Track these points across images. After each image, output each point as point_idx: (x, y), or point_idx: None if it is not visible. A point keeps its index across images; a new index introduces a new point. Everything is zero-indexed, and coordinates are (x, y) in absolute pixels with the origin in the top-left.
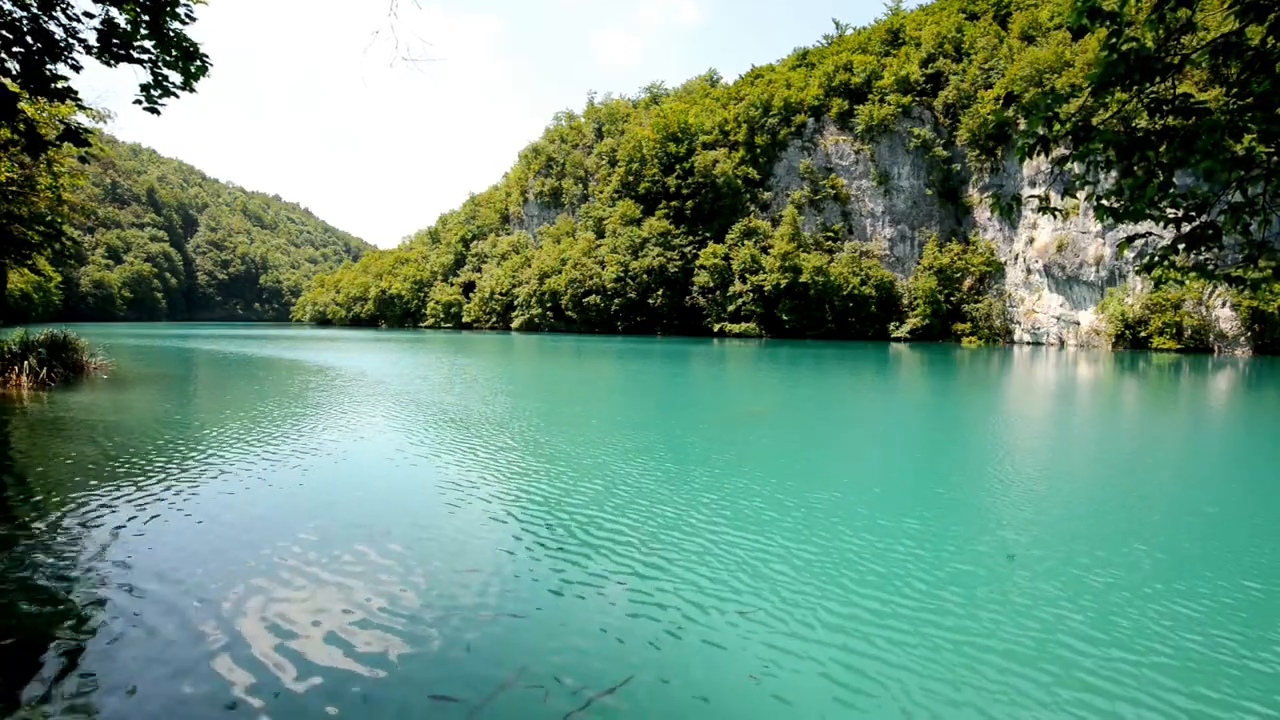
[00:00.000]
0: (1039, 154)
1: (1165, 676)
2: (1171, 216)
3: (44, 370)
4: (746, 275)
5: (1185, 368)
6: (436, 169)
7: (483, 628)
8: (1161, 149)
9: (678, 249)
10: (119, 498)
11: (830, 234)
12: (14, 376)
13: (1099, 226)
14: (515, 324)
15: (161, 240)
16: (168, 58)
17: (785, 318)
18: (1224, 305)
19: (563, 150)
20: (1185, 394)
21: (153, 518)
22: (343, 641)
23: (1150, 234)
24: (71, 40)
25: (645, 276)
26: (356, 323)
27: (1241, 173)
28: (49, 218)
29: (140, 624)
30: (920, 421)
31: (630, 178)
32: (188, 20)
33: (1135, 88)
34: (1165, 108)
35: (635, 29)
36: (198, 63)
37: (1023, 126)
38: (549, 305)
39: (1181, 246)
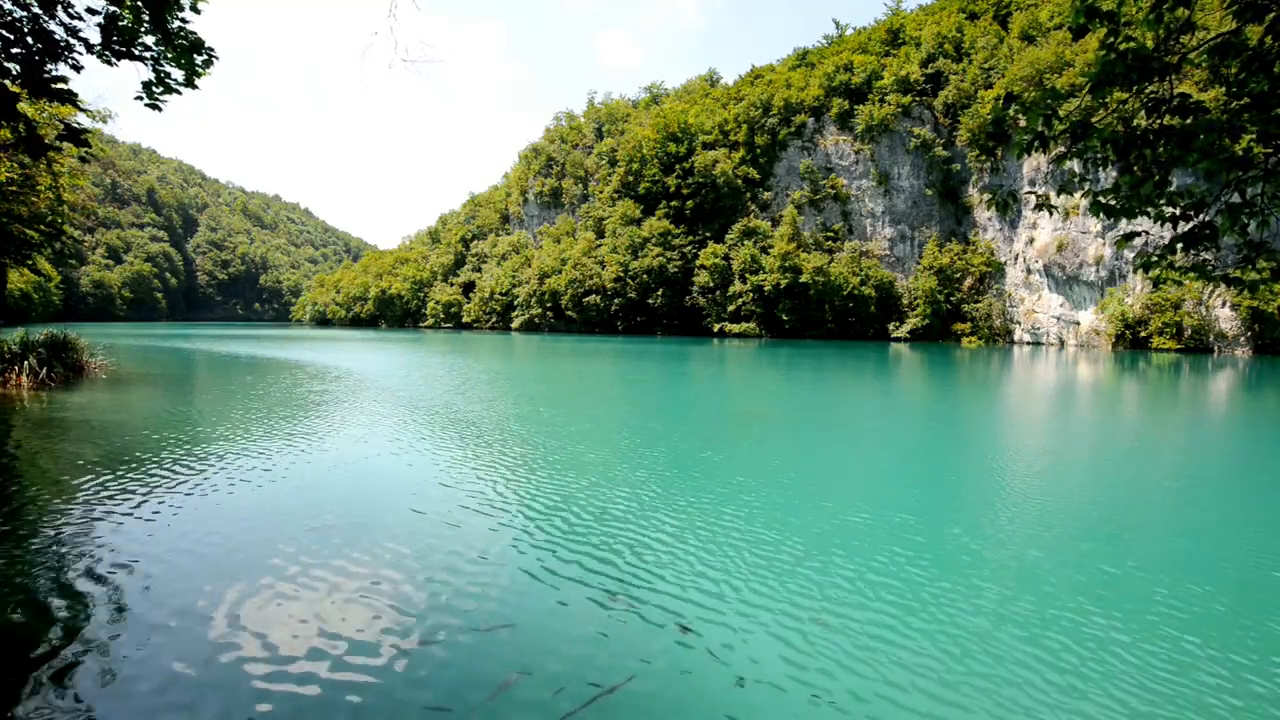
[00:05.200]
0: (1036, 150)
1: (1166, 678)
2: (1169, 214)
3: (44, 370)
4: (746, 275)
5: (1185, 368)
6: (436, 169)
7: (483, 627)
8: (1159, 148)
9: (678, 249)
10: (118, 498)
11: (830, 234)
12: (14, 376)
13: (1099, 226)
14: (515, 324)
15: (161, 240)
16: (171, 54)
17: (785, 318)
18: (1224, 305)
19: (563, 150)
20: (1186, 395)
21: (152, 518)
22: (342, 642)
23: (1148, 232)
24: (72, 40)
25: (645, 276)
26: (356, 323)
27: (1239, 173)
28: (49, 218)
29: (139, 624)
30: (919, 422)
31: (630, 178)
32: (195, 12)
33: (1134, 87)
34: (1163, 107)
35: (638, 32)
36: (203, 56)
37: (1023, 124)
38: (549, 305)
39: (1179, 246)
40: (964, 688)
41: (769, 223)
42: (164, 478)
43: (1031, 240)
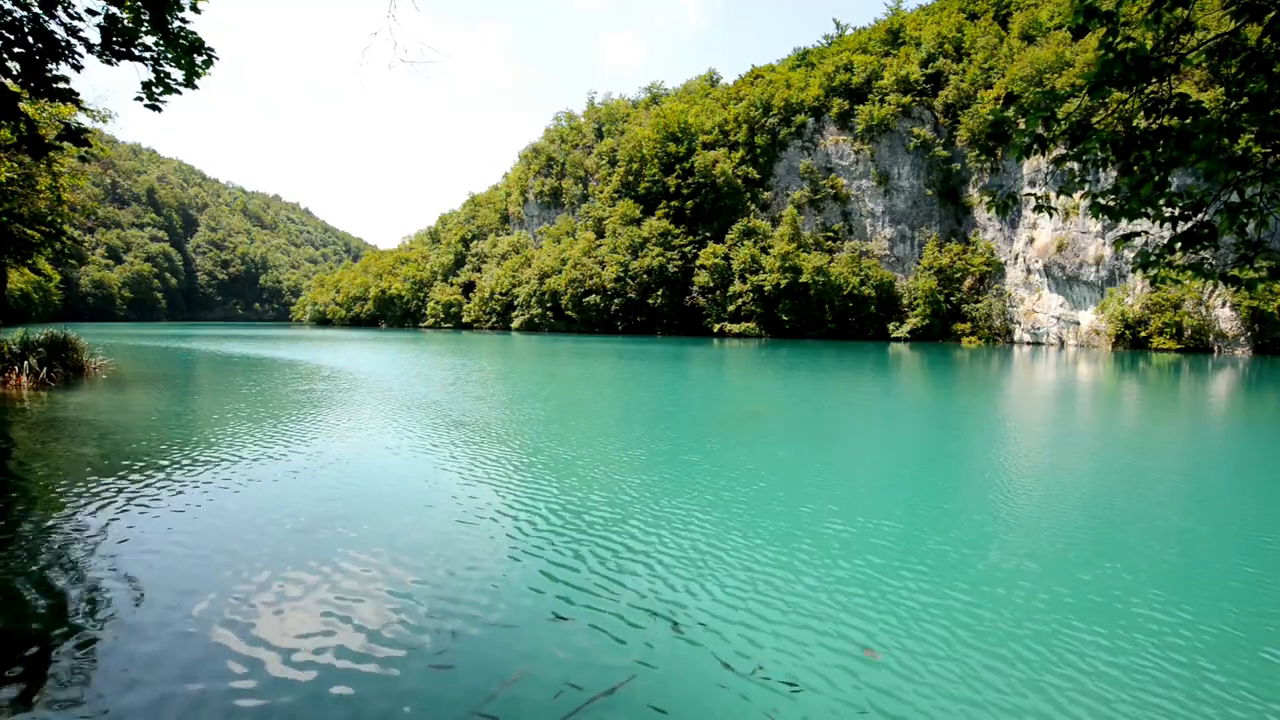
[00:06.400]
0: (1035, 152)
1: (1157, 680)
2: (1168, 215)
3: (44, 370)
4: (746, 275)
5: (1185, 368)
6: (436, 169)
7: (484, 627)
8: (1159, 148)
9: (678, 249)
10: (118, 498)
11: (830, 234)
12: (14, 376)
13: (1099, 226)
14: (515, 324)
15: (161, 240)
16: (171, 54)
17: (785, 318)
18: (1224, 305)
19: (563, 150)
20: (1185, 396)
21: (152, 518)
22: (339, 643)
23: (1148, 232)
24: (72, 40)
25: (645, 276)
26: (356, 323)
27: (1238, 173)
28: (49, 218)
29: (137, 625)
30: (920, 423)
31: (630, 178)
32: (195, 12)
33: (1133, 88)
34: (1162, 108)
35: (641, 33)
36: (203, 57)
37: (1022, 126)
38: (549, 305)
39: (1178, 245)
40: (949, 694)
41: (769, 223)
42: (162, 478)
43: (1031, 240)
